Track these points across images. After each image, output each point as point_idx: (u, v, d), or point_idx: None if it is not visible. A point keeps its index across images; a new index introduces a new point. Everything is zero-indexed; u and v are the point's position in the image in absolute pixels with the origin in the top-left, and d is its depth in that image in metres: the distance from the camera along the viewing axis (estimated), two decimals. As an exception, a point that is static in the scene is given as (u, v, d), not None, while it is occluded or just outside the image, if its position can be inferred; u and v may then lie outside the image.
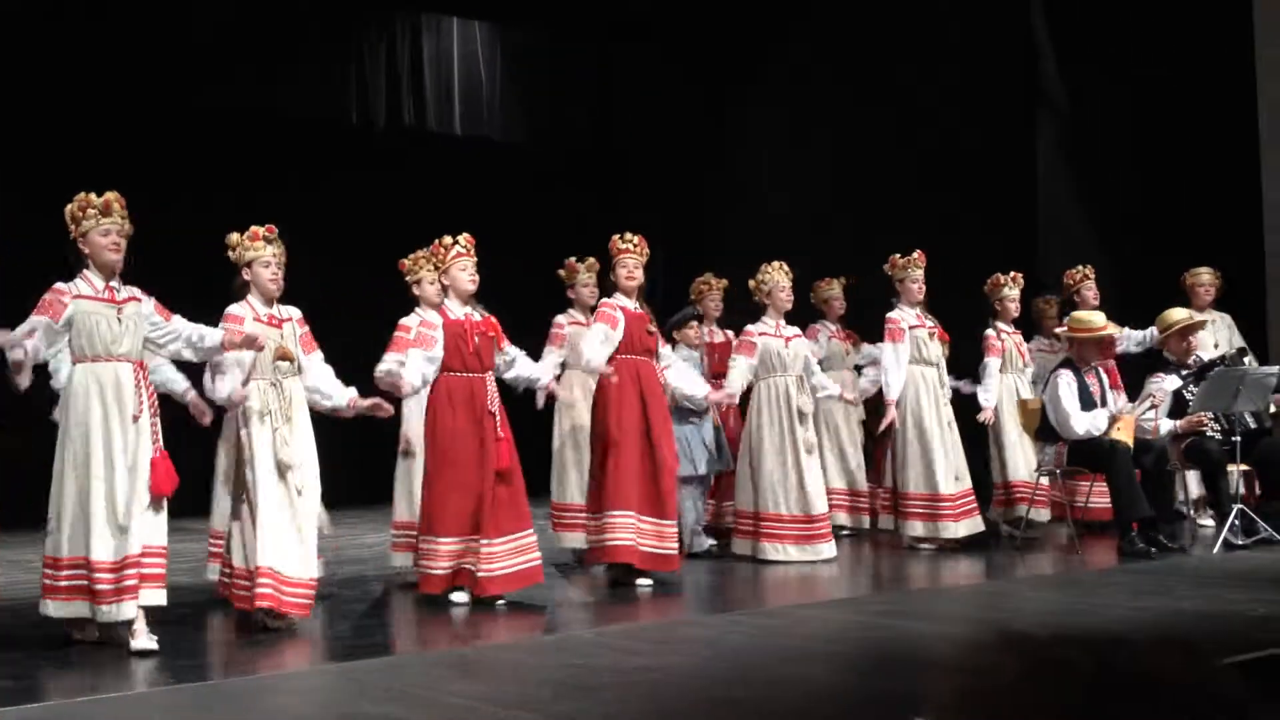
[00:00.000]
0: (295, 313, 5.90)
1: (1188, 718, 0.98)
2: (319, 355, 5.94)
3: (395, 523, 7.06)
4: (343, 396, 5.91)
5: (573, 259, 8.14)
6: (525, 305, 8.02)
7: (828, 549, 7.57)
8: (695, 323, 8.25)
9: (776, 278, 7.86)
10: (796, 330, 8.02)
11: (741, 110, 13.02)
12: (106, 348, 5.09)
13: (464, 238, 6.34)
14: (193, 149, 11.04)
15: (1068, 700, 0.98)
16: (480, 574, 6.03)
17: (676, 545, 6.89)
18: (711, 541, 8.05)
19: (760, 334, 7.78)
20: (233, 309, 5.73)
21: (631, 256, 6.95)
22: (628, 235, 6.98)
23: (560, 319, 8.04)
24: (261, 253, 5.74)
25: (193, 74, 10.84)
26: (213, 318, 5.67)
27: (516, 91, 12.50)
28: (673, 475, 6.91)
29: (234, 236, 5.82)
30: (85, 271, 5.17)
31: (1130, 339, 8.71)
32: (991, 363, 8.46)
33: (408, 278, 7.13)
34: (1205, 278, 8.88)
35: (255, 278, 5.76)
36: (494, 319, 6.39)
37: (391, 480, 7.11)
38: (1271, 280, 9.87)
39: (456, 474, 6.11)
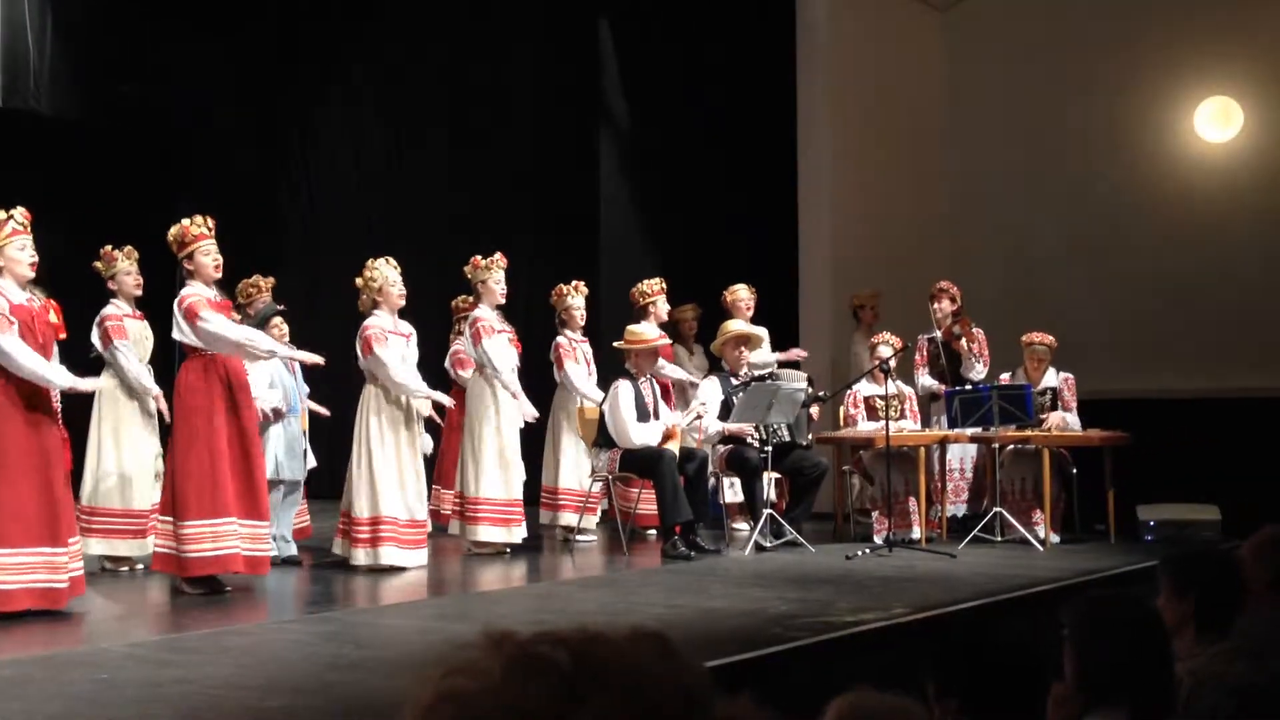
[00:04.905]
0: None
1: (658, 709, 1.01)
2: None
3: None
4: None
5: (109, 246, 7.54)
6: (73, 292, 7.46)
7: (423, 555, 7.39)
8: (278, 319, 7.79)
9: (387, 273, 7.34)
10: (412, 329, 7.54)
11: (311, 102, 12.73)
12: None
13: (19, 212, 5.70)
14: None
15: (546, 695, 1.00)
16: (55, 585, 5.58)
17: (268, 547, 6.59)
18: (293, 550, 7.61)
19: (385, 330, 7.27)
20: None
21: (210, 241, 6.42)
22: (198, 219, 6.46)
23: (107, 311, 7.38)
24: None
25: None
26: None
27: (69, 65, 11.59)
28: (264, 474, 6.62)
29: None
30: None
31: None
32: (571, 368, 8.57)
33: None
34: (743, 294, 9.32)
35: None
36: (55, 303, 5.83)
37: None
38: (803, 298, 10.73)
39: (22, 478, 5.55)
